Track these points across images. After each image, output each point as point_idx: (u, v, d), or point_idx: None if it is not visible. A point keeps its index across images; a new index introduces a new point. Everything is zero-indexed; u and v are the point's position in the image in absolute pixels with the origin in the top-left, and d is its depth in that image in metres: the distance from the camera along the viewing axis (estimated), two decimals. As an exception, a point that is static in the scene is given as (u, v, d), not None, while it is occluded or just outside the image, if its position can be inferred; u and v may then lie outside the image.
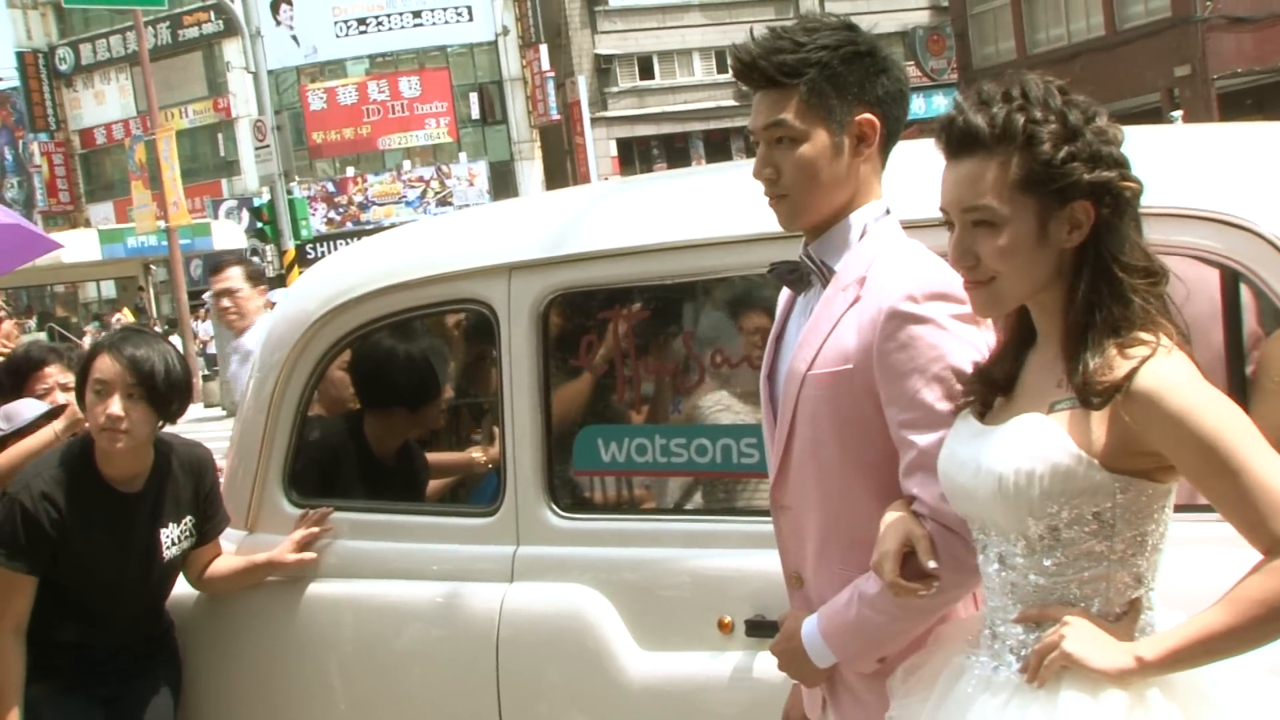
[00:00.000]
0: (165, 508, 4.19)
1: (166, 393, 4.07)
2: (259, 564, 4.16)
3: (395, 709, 3.99)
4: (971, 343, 2.60)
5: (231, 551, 4.30)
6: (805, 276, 2.84)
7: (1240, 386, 2.91)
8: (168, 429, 4.26)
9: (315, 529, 4.11)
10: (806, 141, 2.73)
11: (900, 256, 2.73)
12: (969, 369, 2.56)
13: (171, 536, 4.19)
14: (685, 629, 3.51)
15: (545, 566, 3.77)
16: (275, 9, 46.40)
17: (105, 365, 4.03)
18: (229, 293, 7.60)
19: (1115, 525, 2.35)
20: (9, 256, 7.40)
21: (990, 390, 2.51)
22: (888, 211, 2.81)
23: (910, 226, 2.87)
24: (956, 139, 2.42)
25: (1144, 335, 2.32)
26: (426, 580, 3.96)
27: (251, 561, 4.18)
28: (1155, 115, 29.12)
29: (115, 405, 3.99)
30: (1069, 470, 2.33)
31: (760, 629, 3.29)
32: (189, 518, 4.23)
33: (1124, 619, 2.39)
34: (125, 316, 29.24)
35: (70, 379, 4.86)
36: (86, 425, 4.33)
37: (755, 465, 3.49)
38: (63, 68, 55.63)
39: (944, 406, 2.58)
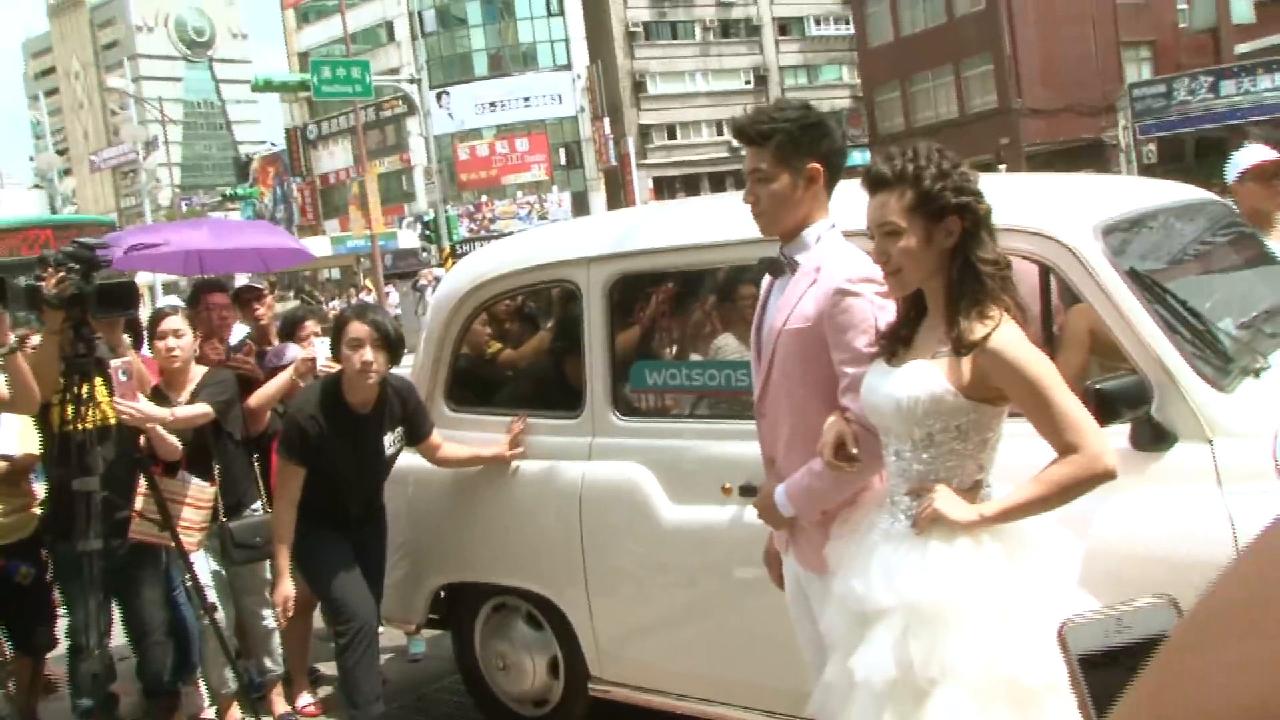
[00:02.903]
0: (385, 422, 4.09)
1: (396, 344, 4.00)
2: (484, 456, 4.02)
3: (519, 539, 3.99)
4: (886, 310, 2.55)
5: None
6: (781, 267, 2.78)
7: (1049, 339, 2.89)
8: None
9: (520, 431, 3.98)
10: (776, 181, 2.67)
11: (842, 254, 2.67)
12: (883, 327, 2.52)
13: (389, 441, 4.12)
14: (700, 491, 3.49)
15: (611, 450, 3.75)
16: (439, 98, 46.34)
17: (357, 328, 3.94)
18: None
19: (968, 433, 2.35)
20: (285, 259, 8.25)
21: (895, 343, 2.47)
22: (833, 225, 2.75)
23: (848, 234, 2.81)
24: (873, 181, 2.40)
25: (992, 310, 2.30)
26: (537, 459, 3.94)
27: (477, 454, 4.05)
28: (988, 168, 29.25)
29: (368, 354, 3.91)
30: (941, 398, 2.31)
31: (748, 492, 3.26)
32: (399, 428, 4.13)
33: (971, 491, 2.38)
34: (368, 286, 28.85)
35: (319, 328, 4.85)
36: (322, 369, 4.36)
37: (745, 387, 3.44)
38: (310, 136, 56.51)
39: (868, 350, 2.53)
